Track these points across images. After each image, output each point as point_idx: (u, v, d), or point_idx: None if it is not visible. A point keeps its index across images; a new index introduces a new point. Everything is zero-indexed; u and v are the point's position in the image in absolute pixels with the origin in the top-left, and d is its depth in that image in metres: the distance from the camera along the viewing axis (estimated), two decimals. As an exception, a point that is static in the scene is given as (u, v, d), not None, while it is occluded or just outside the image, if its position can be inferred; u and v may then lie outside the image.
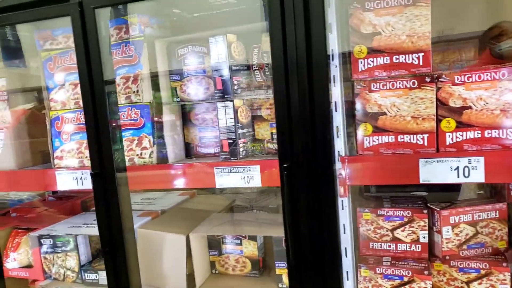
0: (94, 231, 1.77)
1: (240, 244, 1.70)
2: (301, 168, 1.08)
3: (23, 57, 2.11)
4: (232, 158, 1.48)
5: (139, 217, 1.92)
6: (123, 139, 1.65)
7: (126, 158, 1.65)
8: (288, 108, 1.08)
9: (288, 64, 1.07)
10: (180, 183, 1.55)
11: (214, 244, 1.74)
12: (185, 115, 1.71)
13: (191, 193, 2.32)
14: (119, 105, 1.65)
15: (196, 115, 1.68)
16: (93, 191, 1.39)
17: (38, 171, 1.76)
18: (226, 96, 1.48)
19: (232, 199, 2.20)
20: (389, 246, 1.44)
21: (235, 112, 1.46)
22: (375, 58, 1.28)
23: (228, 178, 1.47)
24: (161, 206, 2.11)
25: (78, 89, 1.69)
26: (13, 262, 1.98)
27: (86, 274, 1.77)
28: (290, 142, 1.09)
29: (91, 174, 1.36)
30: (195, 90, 1.59)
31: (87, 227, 1.84)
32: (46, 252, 1.84)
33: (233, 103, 1.46)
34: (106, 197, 1.37)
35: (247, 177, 1.44)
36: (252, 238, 1.68)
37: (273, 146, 1.59)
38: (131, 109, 1.63)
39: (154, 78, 1.64)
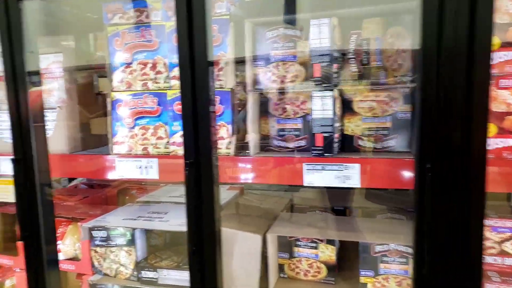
0: (153, 225, 1.64)
1: (316, 248, 1.57)
2: (450, 170, 0.94)
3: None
4: (326, 154, 1.34)
5: (197, 212, 1.78)
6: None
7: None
8: (437, 101, 0.94)
9: (442, 51, 0.92)
10: (262, 178, 1.41)
11: (285, 246, 1.61)
12: (263, 105, 1.57)
13: (240, 188, 2.18)
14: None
15: (276, 105, 1.54)
16: (185, 182, 1.24)
17: (96, 157, 1.60)
18: (324, 85, 1.34)
19: (284, 196, 2.07)
20: (495, 260, 1.32)
21: (334, 102, 1.32)
22: (508, 52, 1.15)
23: (319, 176, 1.33)
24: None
25: (147, 69, 1.55)
26: (58, 254, 1.83)
27: (143, 272, 1.62)
28: (435, 139, 0.95)
29: (186, 163, 1.21)
30: (281, 77, 1.45)
31: (144, 220, 1.69)
32: (98, 245, 1.70)
33: (333, 93, 1.32)
34: (200, 189, 1.23)
35: (342, 176, 1.31)
36: (331, 242, 1.55)
37: (364, 143, 1.45)
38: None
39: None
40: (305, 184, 1.35)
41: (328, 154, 1.34)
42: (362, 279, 1.45)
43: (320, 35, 1.31)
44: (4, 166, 1.73)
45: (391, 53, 1.37)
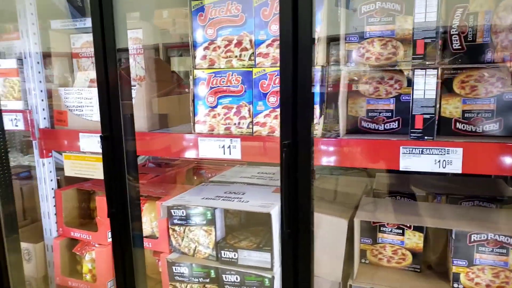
0: (234, 205, 1.62)
1: (402, 234, 1.51)
2: None
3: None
4: (426, 138, 1.26)
5: (274, 193, 1.75)
6: (282, 107, 1.46)
7: (285, 128, 1.46)
8: None
9: None
10: (353, 161, 1.35)
11: (368, 231, 1.56)
12: (351, 84, 1.49)
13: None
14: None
15: (366, 83, 1.46)
16: (281, 163, 1.20)
17: (178, 136, 1.60)
18: (427, 63, 1.25)
19: (359, 180, 2.01)
20: None
21: (438, 82, 1.23)
22: None
23: (417, 160, 1.26)
24: (286, 183, 1.93)
25: (232, 46, 1.51)
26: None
27: (222, 252, 1.62)
28: None
29: (284, 144, 1.16)
30: (376, 54, 1.37)
31: (223, 200, 1.68)
32: (176, 224, 1.71)
33: (438, 71, 1.23)
34: (296, 170, 1.18)
35: (443, 161, 1.23)
36: (418, 229, 1.48)
37: (463, 126, 1.36)
38: (296, 73, 1.43)
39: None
40: (401, 169, 1.28)
41: (429, 138, 1.26)
42: (454, 269, 1.38)
43: (426, 9, 1.22)
44: (84, 143, 1.76)
45: (502, 29, 1.26)
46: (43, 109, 1.91)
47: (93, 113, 1.83)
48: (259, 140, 1.48)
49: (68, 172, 1.73)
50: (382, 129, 1.45)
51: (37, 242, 2.07)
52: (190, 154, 1.61)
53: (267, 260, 1.56)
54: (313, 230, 1.25)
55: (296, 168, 1.19)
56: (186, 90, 2.01)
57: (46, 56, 1.93)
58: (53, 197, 1.99)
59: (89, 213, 2.19)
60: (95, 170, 1.64)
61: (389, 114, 1.44)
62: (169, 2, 1.85)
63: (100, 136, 1.42)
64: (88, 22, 1.80)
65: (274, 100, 1.47)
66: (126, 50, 1.44)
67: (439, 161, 1.24)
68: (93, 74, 1.97)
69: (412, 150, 1.26)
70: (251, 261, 1.59)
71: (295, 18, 1.09)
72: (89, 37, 1.92)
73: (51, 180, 1.97)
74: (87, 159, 1.67)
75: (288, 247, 1.25)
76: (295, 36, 1.10)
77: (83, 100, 1.84)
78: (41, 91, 1.90)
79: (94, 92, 1.81)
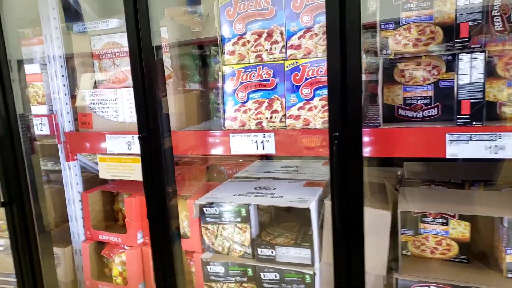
0: (270, 201, 1.59)
1: (446, 224, 1.47)
2: None
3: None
4: (474, 123, 1.22)
5: (306, 187, 1.72)
6: (317, 98, 1.43)
7: (320, 120, 1.43)
8: None
9: None
10: (397, 150, 1.32)
11: (409, 222, 1.52)
12: (386, 72, 1.46)
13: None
14: (314, 58, 1.42)
15: (402, 71, 1.42)
16: (330, 157, 1.16)
17: (209, 133, 1.57)
18: (473, 46, 1.21)
19: (388, 170, 1.97)
20: None
21: (485, 65, 1.20)
22: None
23: (466, 147, 1.22)
24: (316, 176, 1.90)
25: (262, 40, 1.48)
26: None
27: (259, 249, 1.59)
28: None
29: (334, 136, 1.13)
30: (414, 40, 1.33)
31: (256, 197, 1.65)
32: (209, 222, 1.68)
33: (485, 54, 1.19)
34: (347, 165, 1.15)
35: (494, 146, 1.19)
36: (463, 218, 1.44)
37: (508, 110, 1.32)
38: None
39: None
40: (448, 156, 1.25)
41: (477, 123, 1.22)
42: (508, 258, 1.34)
43: (470, -11, 1.18)
44: (110, 144, 1.74)
45: (549, 7, 1.22)
46: (68, 113, 1.89)
47: (118, 114, 1.81)
48: (294, 133, 1.45)
49: (104, 174, 1.70)
50: (421, 116, 1.41)
51: (65, 246, 2.05)
52: (221, 151, 1.58)
53: (307, 256, 1.53)
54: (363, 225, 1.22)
55: (347, 161, 1.15)
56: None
57: (68, 59, 1.91)
58: (80, 200, 1.97)
59: (113, 214, 2.17)
60: (132, 172, 1.61)
61: (427, 101, 1.40)
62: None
63: (138, 137, 1.39)
64: (111, 23, 1.78)
65: (307, 92, 1.44)
66: (160, 47, 1.40)
67: (489, 147, 1.20)
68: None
69: (459, 137, 1.22)
70: (290, 257, 1.56)
71: (342, 5, 1.06)
72: (110, 38, 1.89)
73: (77, 184, 1.95)
74: (123, 161, 1.64)
75: (340, 243, 1.22)
76: (343, 23, 1.06)
77: (108, 101, 1.82)
78: (65, 94, 1.88)
79: (118, 92, 1.79)
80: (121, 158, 1.65)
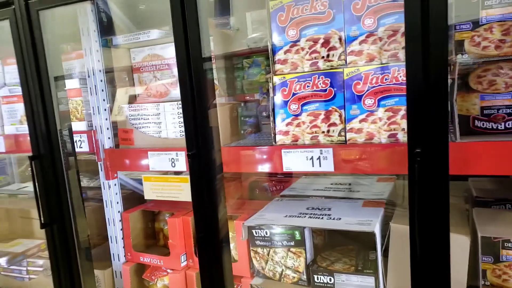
0: (327, 223, 1.45)
1: (534, 250, 1.28)
2: None
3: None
4: None
5: (365, 208, 1.57)
6: (381, 109, 1.29)
7: (386, 134, 1.29)
8: None
9: None
10: (478, 167, 1.15)
11: (488, 248, 1.34)
12: (459, 78, 1.30)
13: (391, 179, 1.93)
14: (378, 65, 1.28)
15: (479, 77, 1.26)
16: (411, 177, 1.01)
17: (258, 149, 1.44)
18: None
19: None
20: None
21: None
22: None
23: None
24: (373, 194, 1.74)
25: (318, 46, 1.35)
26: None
27: (316, 276, 1.44)
28: None
29: (416, 153, 0.98)
30: (496, 42, 1.17)
31: (310, 218, 1.51)
32: (259, 246, 1.55)
33: None
34: (429, 185, 1.00)
35: None
36: (555, 243, 1.25)
37: None
38: (398, 70, 1.25)
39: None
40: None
41: None
42: None
43: None
44: (153, 162, 1.64)
45: None
46: (107, 128, 1.81)
47: (161, 130, 1.71)
48: (356, 148, 1.31)
49: (149, 195, 1.61)
50: (502, 128, 1.25)
51: (103, 268, 1.96)
52: (272, 168, 1.46)
53: (371, 285, 1.37)
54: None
55: (429, 181, 0.99)
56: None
57: (107, 73, 1.84)
58: (120, 221, 1.88)
59: (153, 234, 2.07)
60: (180, 192, 1.51)
61: (510, 110, 1.23)
62: (240, 5, 1.73)
63: (188, 154, 1.28)
64: (152, 34, 1.70)
65: (371, 102, 1.30)
66: (210, 59, 1.30)
67: None
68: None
69: (555, 152, 1.05)
70: (351, 286, 1.41)
71: (424, 5, 0.92)
72: (151, 50, 1.82)
73: (117, 203, 1.87)
74: (170, 180, 1.54)
75: (420, 272, 1.06)
76: (425, 24, 0.92)
77: (150, 116, 1.73)
78: (105, 109, 1.81)
79: (161, 107, 1.70)
80: (167, 177, 1.55)
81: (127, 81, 1.88)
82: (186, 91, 1.25)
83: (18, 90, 2.08)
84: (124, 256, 1.90)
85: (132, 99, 1.87)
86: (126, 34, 1.76)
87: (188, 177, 1.32)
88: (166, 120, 1.69)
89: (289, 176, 2.26)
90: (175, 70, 1.77)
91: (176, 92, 1.77)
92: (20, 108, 2.08)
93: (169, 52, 1.77)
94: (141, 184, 2.07)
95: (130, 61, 1.88)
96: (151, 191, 1.59)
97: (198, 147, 1.26)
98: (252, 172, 2.13)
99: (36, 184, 1.56)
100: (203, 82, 1.23)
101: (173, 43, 1.74)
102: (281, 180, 2.27)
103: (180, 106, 1.65)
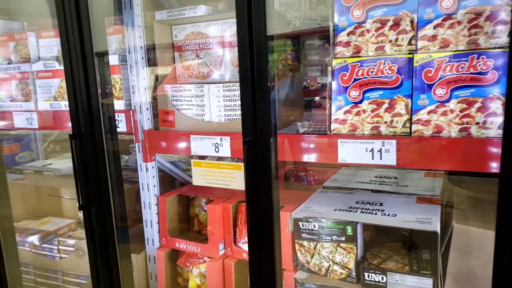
0: (380, 219, 1.36)
1: None
2: None
3: None
4: None
5: (419, 204, 1.48)
6: (454, 100, 1.18)
7: (457, 128, 1.18)
8: None
9: None
10: None
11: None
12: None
13: (438, 174, 1.83)
14: (452, 52, 1.17)
15: None
16: (502, 178, 0.92)
17: (310, 138, 1.36)
18: None
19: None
20: None
21: None
22: None
23: None
24: (422, 189, 1.64)
25: (386, 29, 1.24)
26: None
27: (366, 274, 1.37)
28: None
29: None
30: None
31: (362, 213, 1.43)
32: (305, 239, 1.47)
33: None
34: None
35: None
36: None
37: None
38: (477, 58, 1.14)
39: None
40: None
41: None
42: None
43: None
44: (196, 146, 1.57)
45: None
46: (147, 109, 1.74)
47: (204, 113, 1.63)
48: (423, 142, 1.21)
49: (197, 181, 1.53)
50: None
51: (136, 252, 1.92)
52: (324, 158, 1.37)
53: (428, 287, 1.29)
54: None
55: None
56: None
57: (148, 50, 1.76)
58: (156, 204, 1.82)
59: (187, 219, 2.01)
60: (232, 179, 1.43)
61: None
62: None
63: (244, 141, 1.20)
64: (199, 11, 1.60)
65: (442, 92, 1.19)
66: (272, 38, 1.20)
67: None
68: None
69: None
70: (405, 286, 1.33)
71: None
72: (194, 28, 1.73)
73: (154, 186, 1.81)
74: (221, 167, 1.47)
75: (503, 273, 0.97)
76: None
77: (193, 98, 1.65)
78: (145, 89, 1.73)
79: (205, 88, 1.61)
80: (219, 163, 1.48)
81: (167, 59, 1.80)
82: (246, 71, 1.16)
83: (53, 65, 2.03)
84: (159, 241, 1.85)
85: (171, 79, 1.79)
86: (171, 9, 1.66)
87: (241, 164, 1.24)
88: (210, 103, 1.61)
89: (326, 167, 2.18)
90: (219, 50, 1.68)
91: (219, 73, 1.69)
92: (54, 84, 2.02)
93: (214, 30, 1.68)
94: (177, 167, 2.01)
95: (171, 39, 1.79)
96: (200, 177, 1.51)
97: (255, 133, 1.18)
98: (302, 161, 2.05)
99: (76, 164, 1.50)
100: (265, 62, 1.14)
101: (218, 22, 1.67)
102: (319, 170, 2.19)
103: (226, 88, 1.57)
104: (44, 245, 2.13)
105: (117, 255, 1.61)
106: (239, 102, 1.57)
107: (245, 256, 1.67)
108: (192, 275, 1.79)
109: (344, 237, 1.41)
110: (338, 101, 1.34)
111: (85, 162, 1.54)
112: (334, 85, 1.34)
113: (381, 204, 1.49)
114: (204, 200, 1.90)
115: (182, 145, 1.63)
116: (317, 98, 2.44)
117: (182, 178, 2.05)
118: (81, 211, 1.60)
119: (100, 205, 1.57)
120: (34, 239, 2.11)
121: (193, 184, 1.59)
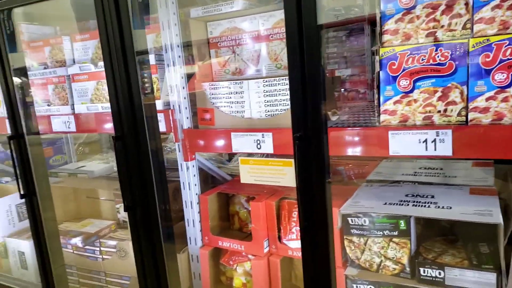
0: (435, 212, 1.31)
1: None
2: None
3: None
4: None
5: (473, 195, 1.42)
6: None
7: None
8: None
9: None
10: None
11: None
12: None
13: (489, 163, 1.76)
14: (513, 34, 1.11)
15: None
16: None
17: (358, 131, 1.31)
18: None
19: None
20: None
21: None
22: None
23: None
24: (473, 180, 1.58)
25: (438, 14, 1.19)
26: (295, 241, 1.63)
27: (422, 269, 1.32)
28: None
29: None
30: None
31: (414, 206, 1.38)
32: (354, 234, 1.43)
33: None
34: None
35: None
36: None
37: None
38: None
39: None
40: None
41: None
42: None
43: None
44: (237, 143, 1.55)
45: None
46: (186, 108, 1.73)
47: (244, 110, 1.61)
48: (481, 130, 1.15)
49: (245, 179, 1.52)
50: None
51: (179, 251, 1.92)
52: (374, 152, 1.33)
53: (491, 282, 1.23)
54: None
55: None
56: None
57: (184, 48, 1.74)
58: (197, 203, 1.81)
59: (227, 217, 2.00)
60: (283, 176, 1.41)
61: None
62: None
63: (294, 136, 1.17)
64: (236, 5, 1.58)
65: (502, 77, 1.13)
66: (322, 27, 1.15)
67: None
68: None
69: None
70: (465, 282, 1.27)
71: None
72: (230, 23, 1.70)
73: (195, 185, 1.80)
74: (271, 163, 1.44)
75: None
76: None
77: (232, 95, 1.63)
78: (183, 87, 1.72)
79: (245, 85, 1.59)
80: (268, 160, 1.45)
81: (202, 57, 1.78)
82: (295, 64, 1.13)
83: (89, 68, 2.04)
84: (201, 240, 1.84)
85: (208, 77, 1.77)
86: (207, 5, 1.64)
87: (291, 160, 1.21)
88: (250, 99, 1.58)
89: (364, 160, 2.12)
90: (256, 45, 1.65)
91: (256, 68, 1.66)
92: (90, 86, 2.04)
93: (250, 25, 1.65)
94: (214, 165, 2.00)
95: (207, 35, 1.77)
96: (249, 174, 1.49)
97: (306, 128, 1.15)
98: (339, 155, 2.00)
99: (120, 166, 1.50)
100: (316, 54, 1.10)
101: (254, 16, 1.64)
102: (357, 163, 2.13)
103: (266, 84, 1.55)
104: (86, 247, 2.16)
105: (163, 255, 1.61)
106: (280, 97, 1.54)
107: (291, 253, 1.64)
108: (236, 274, 1.78)
109: (397, 232, 1.36)
110: (387, 92, 1.29)
111: (129, 163, 1.54)
112: (382, 75, 1.29)
113: (432, 197, 1.44)
114: (243, 197, 1.88)
115: (222, 143, 1.61)
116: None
117: (220, 176, 2.03)
118: (126, 212, 1.60)
119: (146, 205, 1.57)
120: (77, 241, 2.14)
121: (241, 181, 1.57)
